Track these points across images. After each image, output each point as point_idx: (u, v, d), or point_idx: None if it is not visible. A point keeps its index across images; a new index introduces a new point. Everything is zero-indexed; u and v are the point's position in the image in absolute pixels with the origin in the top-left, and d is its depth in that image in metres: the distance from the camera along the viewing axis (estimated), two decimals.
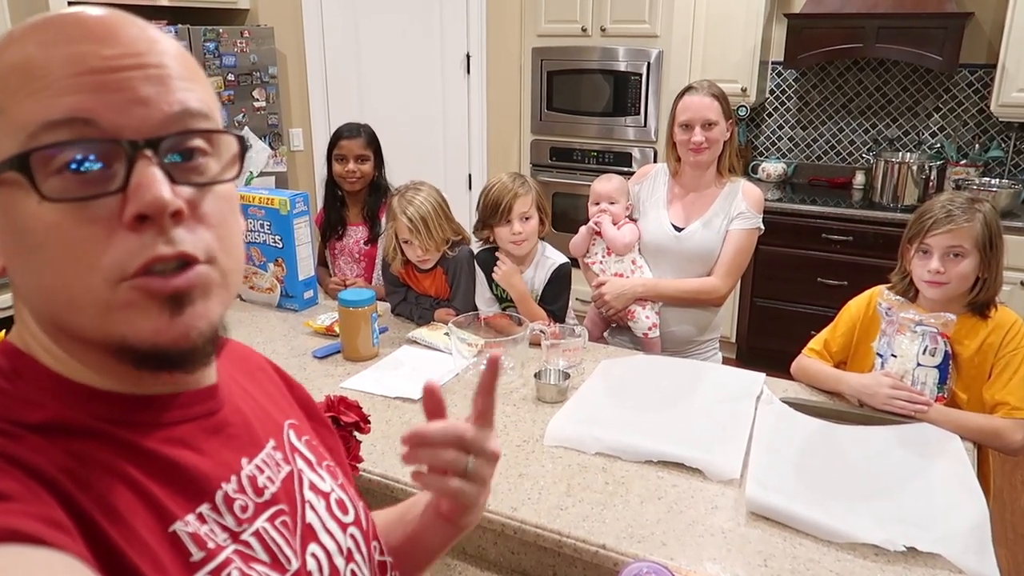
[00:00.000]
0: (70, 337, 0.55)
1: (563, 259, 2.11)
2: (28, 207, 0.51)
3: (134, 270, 0.52)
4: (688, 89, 2.05)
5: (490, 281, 2.13)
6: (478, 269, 2.17)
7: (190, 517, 0.57)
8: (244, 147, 0.61)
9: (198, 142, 0.56)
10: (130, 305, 0.53)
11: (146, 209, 0.51)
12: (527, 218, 2.03)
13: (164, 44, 0.56)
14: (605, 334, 2.29)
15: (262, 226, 2.21)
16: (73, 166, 0.51)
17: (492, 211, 2.04)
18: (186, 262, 0.54)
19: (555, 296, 2.08)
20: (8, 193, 0.51)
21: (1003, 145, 3.71)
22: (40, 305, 0.55)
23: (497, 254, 2.12)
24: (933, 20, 3.40)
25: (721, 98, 2.03)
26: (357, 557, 0.71)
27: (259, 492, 0.63)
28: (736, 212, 2.08)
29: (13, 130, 0.51)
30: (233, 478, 0.62)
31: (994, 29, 3.53)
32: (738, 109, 3.86)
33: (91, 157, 0.51)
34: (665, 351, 2.14)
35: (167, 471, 0.57)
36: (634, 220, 2.20)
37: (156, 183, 0.52)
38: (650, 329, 2.12)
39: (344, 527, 0.71)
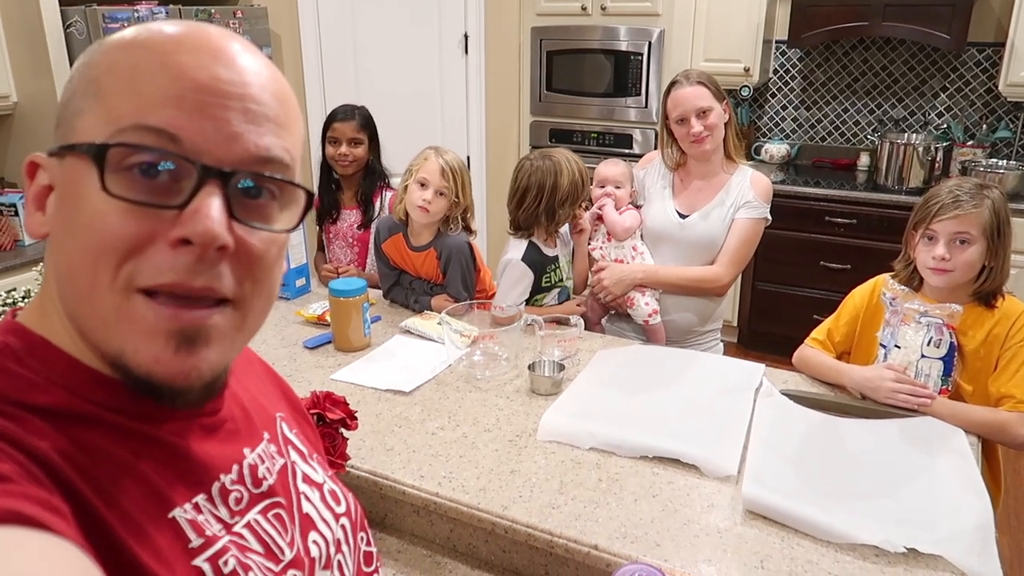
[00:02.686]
0: (77, 325, 0.56)
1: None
2: (89, 188, 0.52)
3: (152, 284, 0.52)
4: (674, 83, 2.00)
5: (550, 269, 2.08)
6: (527, 273, 2.05)
7: (187, 505, 0.58)
8: (311, 202, 0.61)
9: (268, 187, 0.57)
10: (136, 321, 0.53)
11: (195, 237, 0.52)
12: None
13: (273, 82, 0.58)
14: (603, 321, 2.25)
15: None
16: (144, 169, 0.52)
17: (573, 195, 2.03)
18: (215, 299, 0.54)
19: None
20: (78, 169, 0.53)
21: (1011, 126, 3.64)
22: (63, 286, 0.55)
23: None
24: None
25: (709, 83, 1.97)
26: (344, 548, 0.74)
27: (258, 483, 0.65)
28: (743, 200, 2.03)
29: (104, 119, 0.52)
30: (235, 467, 0.64)
31: (1003, 6, 3.45)
32: (741, 89, 3.79)
33: (163, 166, 0.52)
34: (667, 341, 2.11)
35: (166, 459, 0.58)
36: (638, 207, 2.15)
37: (213, 214, 0.52)
38: (650, 316, 2.08)
39: (336, 517, 0.74)
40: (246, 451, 0.65)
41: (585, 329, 2.08)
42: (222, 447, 0.63)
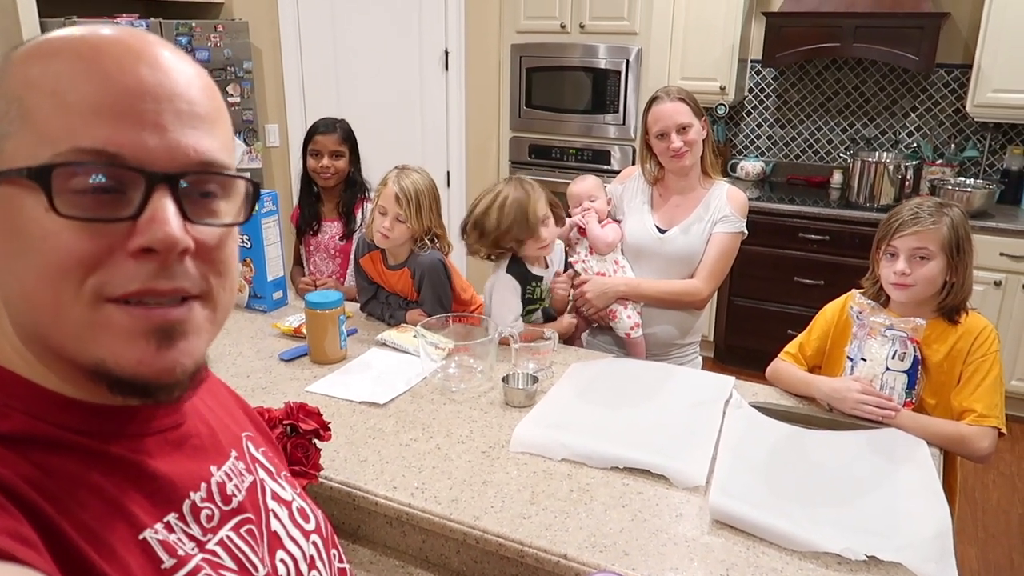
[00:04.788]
0: (43, 346, 0.55)
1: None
2: (32, 212, 0.51)
3: (122, 294, 0.52)
4: (654, 99, 2.04)
5: (532, 286, 2.04)
6: (515, 287, 2.02)
7: (159, 526, 0.57)
8: (257, 191, 0.61)
9: (212, 183, 0.57)
10: (113, 328, 0.53)
11: (156, 244, 0.52)
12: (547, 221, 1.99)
13: (197, 77, 0.57)
14: (585, 335, 2.28)
15: None
16: (91, 184, 0.51)
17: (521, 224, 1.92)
18: (183, 296, 0.55)
19: None
20: (13, 193, 0.51)
21: (978, 145, 3.73)
22: (19, 310, 0.54)
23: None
24: (910, 20, 3.41)
25: (689, 100, 2.02)
26: (319, 564, 0.73)
27: (227, 500, 0.65)
28: (720, 215, 2.07)
29: (36, 140, 0.51)
30: (203, 485, 0.63)
31: (970, 29, 3.54)
32: (717, 107, 3.86)
33: (110, 181, 0.52)
34: (648, 354, 2.13)
35: (134, 480, 0.58)
36: (617, 220, 2.18)
37: (170, 219, 0.52)
38: (632, 329, 2.11)
39: (307, 535, 0.73)
40: (213, 468, 0.65)
41: (567, 343, 2.10)
42: (189, 463, 0.63)
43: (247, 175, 0.61)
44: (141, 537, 0.55)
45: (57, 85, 0.51)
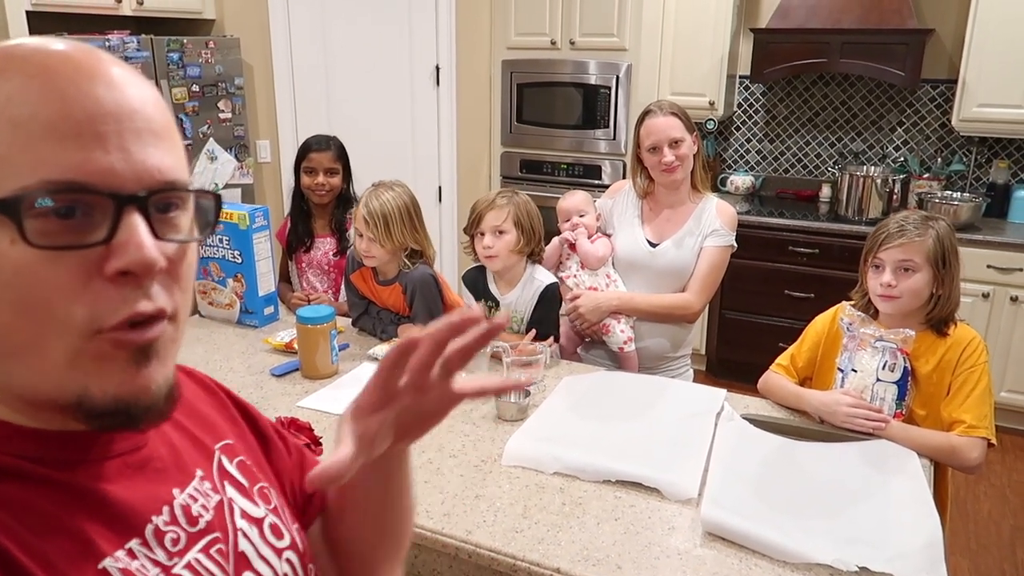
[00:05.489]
0: (3, 382, 0.54)
1: (551, 279, 2.07)
2: None
3: (113, 324, 0.52)
4: (647, 113, 2.06)
5: (483, 303, 2.07)
6: (466, 291, 2.13)
7: (119, 553, 0.56)
8: (219, 206, 0.61)
9: (174, 199, 0.56)
10: (101, 357, 0.52)
11: (133, 267, 0.51)
12: (500, 232, 1.99)
13: (148, 90, 0.56)
14: (579, 349, 2.28)
15: (221, 241, 2.17)
16: (57, 211, 0.50)
17: (469, 219, 2.03)
18: (160, 318, 0.55)
19: (541, 317, 2.05)
20: None
21: (964, 159, 3.77)
22: None
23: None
24: (895, 36, 3.46)
25: (681, 114, 2.03)
26: None
27: (193, 521, 0.63)
28: (710, 229, 2.08)
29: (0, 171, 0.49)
30: (165, 509, 0.62)
31: (955, 45, 3.59)
32: (706, 122, 3.89)
33: (78, 207, 0.51)
34: (640, 367, 2.14)
35: (93, 508, 0.56)
36: (607, 235, 2.20)
37: (145, 240, 0.52)
38: (626, 343, 2.11)
39: (279, 552, 0.71)
40: (175, 491, 0.64)
41: (561, 357, 2.10)
42: (149, 487, 0.62)
43: (196, 175, 0.60)
44: (100, 566, 0.54)
45: (11, 110, 0.50)
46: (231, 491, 0.70)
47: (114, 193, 0.51)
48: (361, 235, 2.04)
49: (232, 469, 0.73)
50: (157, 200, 0.54)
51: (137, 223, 0.52)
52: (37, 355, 0.51)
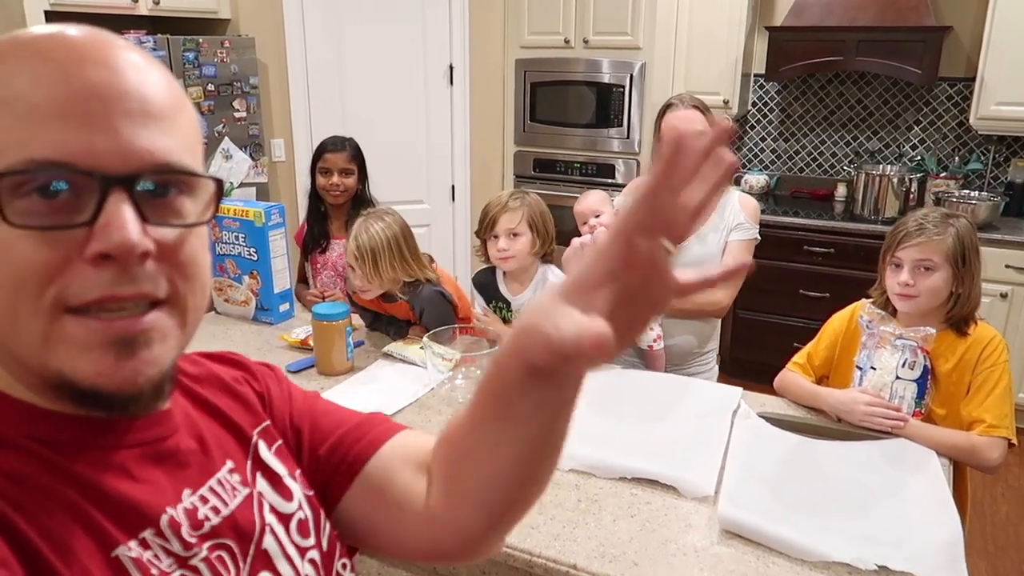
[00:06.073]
0: (9, 357, 0.54)
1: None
2: None
3: (82, 303, 0.50)
4: (669, 106, 2.05)
5: (493, 304, 2.08)
6: (477, 295, 2.11)
7: (132, 543, 0.55)
8: (221, 189, 0.59)
9: (173, 182, 0.55)
10: (69, 340, 0.51)
11: (112, 250, 0.50)
12: (515, 235, 1.97)
13: (148, 71, 0.55)
14: None
15: (237, 238, 2.18)
16: (42, 191, 0.49)
17: (481, 223, 2.02)
18: (149, 302, 0.53)
19: None
20: None
21: (982, 158, 3.73)
22: None
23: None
24: (912, 34, 3.43)
25: (702, 107, 2.03)
26: None
27: (198, 526, 0.61)
28: (734, 223, 2.08)
29: None
30: (185, 497, 0.61)
31: (973, 42, 3.56)
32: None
33: (63, 186, 0.50)
34: (667, 364, 2.13)
35: (105, 497, 0.55)
36: None
37: (126, 223, 0.50)
38: (655, 341, 2.10)
39: (303, 552, 0.69)
40: (185, 493, 0.62)
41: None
42: (168, 478, 0.61)
43: (211, 174, 0.58)
44: (113, 555, 0.53)
45: (2, 92, 0.50)
46: (262, 484, 0.69)
47: (98, 173, 0.50)
48: (354, 269, 1.98)
49: (269, 457, 0.71)
50: (153, 182, 0.53)
51: (121, 205, 0.50)
52: (16, 333, 0.51)
